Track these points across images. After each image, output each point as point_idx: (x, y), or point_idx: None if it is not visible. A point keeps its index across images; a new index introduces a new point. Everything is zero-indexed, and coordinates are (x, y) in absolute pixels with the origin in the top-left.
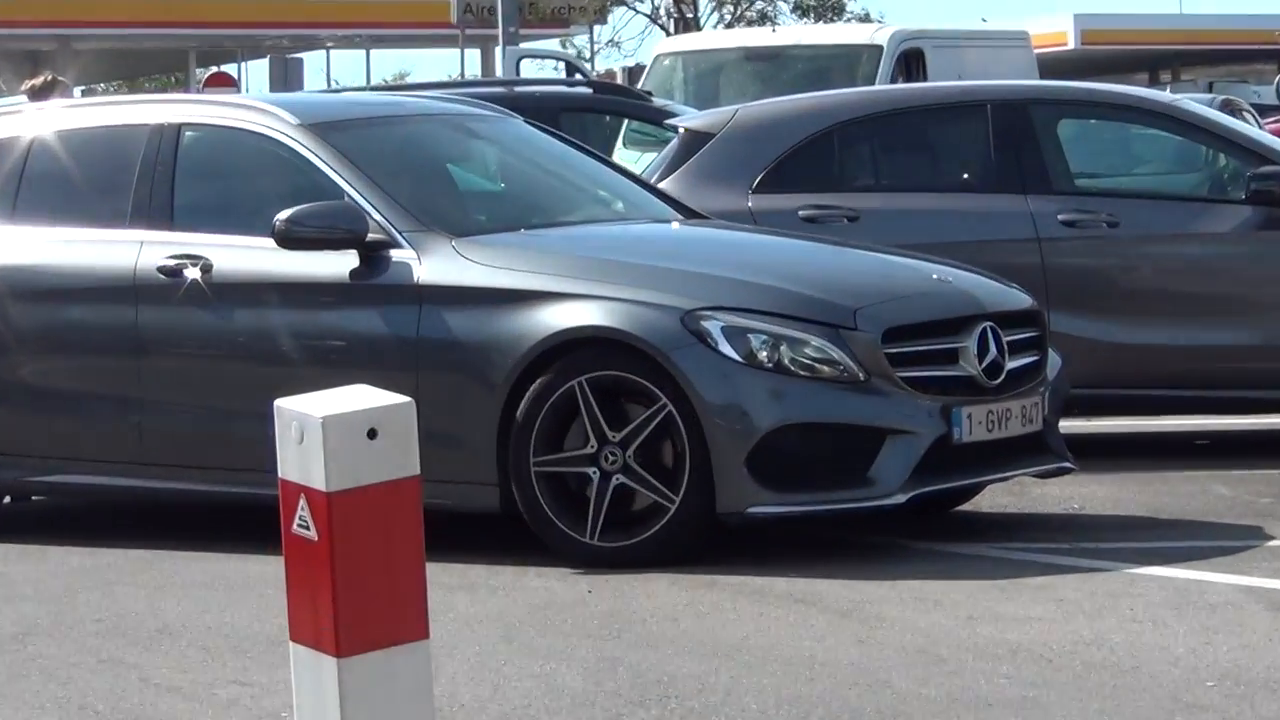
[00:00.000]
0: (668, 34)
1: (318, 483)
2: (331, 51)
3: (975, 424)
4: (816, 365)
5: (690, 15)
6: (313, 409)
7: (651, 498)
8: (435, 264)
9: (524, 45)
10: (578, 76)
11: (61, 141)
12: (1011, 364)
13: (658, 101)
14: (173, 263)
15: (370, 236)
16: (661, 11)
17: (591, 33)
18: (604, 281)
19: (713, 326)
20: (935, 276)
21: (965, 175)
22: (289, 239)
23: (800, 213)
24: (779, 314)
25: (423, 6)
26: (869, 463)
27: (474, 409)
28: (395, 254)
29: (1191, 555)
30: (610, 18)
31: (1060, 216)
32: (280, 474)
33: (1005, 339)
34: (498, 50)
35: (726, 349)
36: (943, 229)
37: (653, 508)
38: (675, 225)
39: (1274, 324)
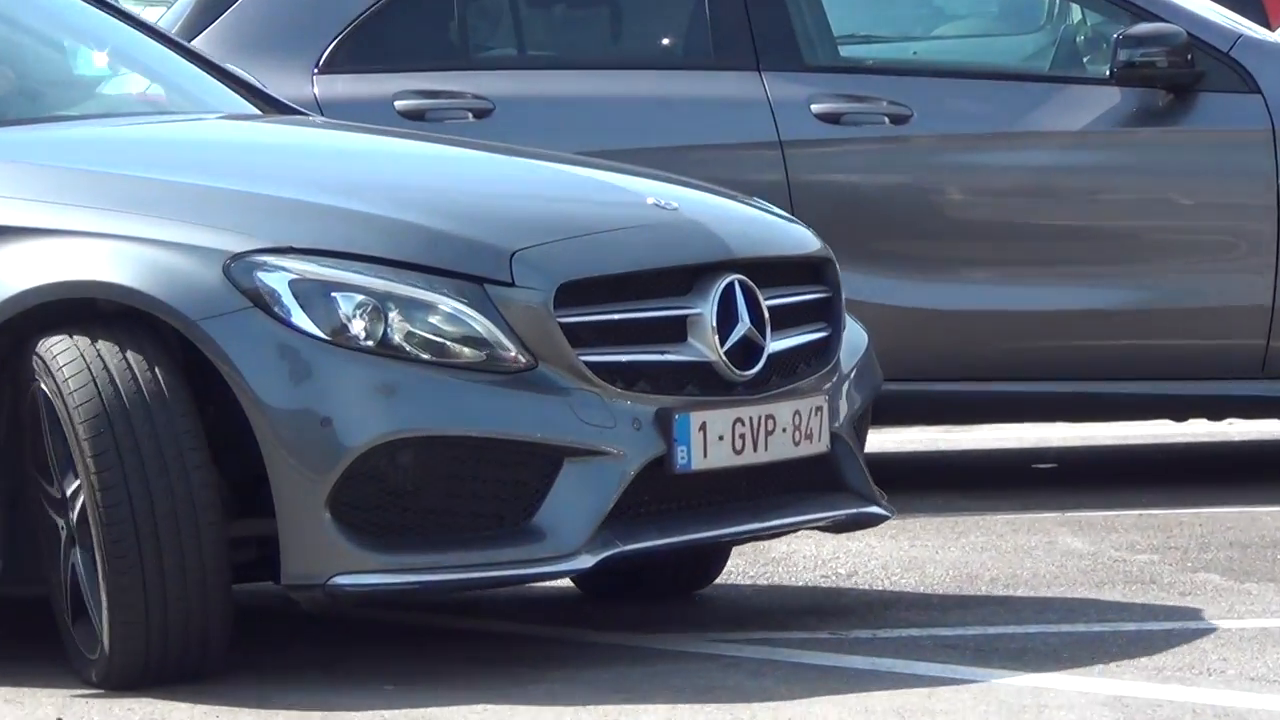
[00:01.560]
0: None
1: None
2: None
3: (714, 441)
4: (448, 343)
5: None
6: None
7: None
8: None
9: None
10: None
11: None
12: (777, 344)
13: None
14: None
15: None
16: None
17: None
18: (100, 209)
19: (277, 281)
20: (650, 200)
21: (665, 42)
22: None
23: (398, 103)
24: (385, 260)
25: None
26: (535, 503)
27: None
28: None
29: (1027, 649)
30: None
31: (816, 106)
32: None
33: (766, 302)
34: None
35: (299, 317)
36: (627, 128)
37: None
38: (224, 121)
39: (1165, 274)
